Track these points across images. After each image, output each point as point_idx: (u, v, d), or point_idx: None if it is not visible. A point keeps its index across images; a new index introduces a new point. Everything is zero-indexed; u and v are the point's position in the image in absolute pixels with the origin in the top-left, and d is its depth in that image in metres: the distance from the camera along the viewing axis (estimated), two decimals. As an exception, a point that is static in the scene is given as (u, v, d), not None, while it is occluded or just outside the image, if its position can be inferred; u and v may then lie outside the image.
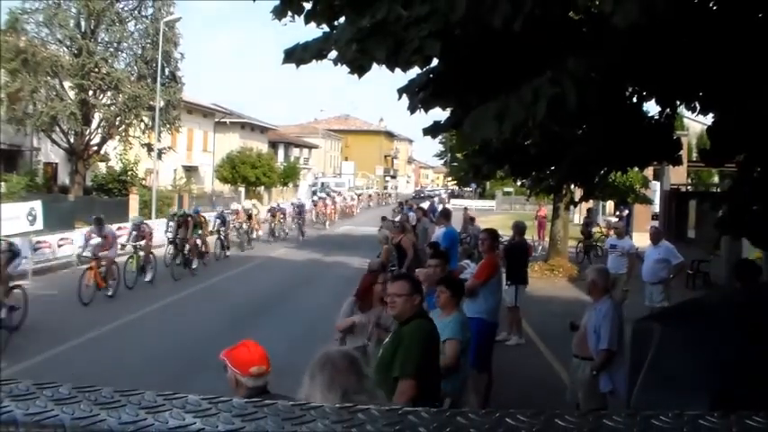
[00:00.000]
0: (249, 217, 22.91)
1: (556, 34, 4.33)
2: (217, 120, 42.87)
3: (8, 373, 7.22)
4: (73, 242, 16.52)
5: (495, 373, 7.11)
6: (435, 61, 4.82)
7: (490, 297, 7.14)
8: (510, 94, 3.63)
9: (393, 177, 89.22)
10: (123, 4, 27.12)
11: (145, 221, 15.59)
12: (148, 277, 14.13)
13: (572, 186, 10.40)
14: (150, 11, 27.56)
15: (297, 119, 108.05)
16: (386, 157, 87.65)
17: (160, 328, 10.46)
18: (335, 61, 4.15)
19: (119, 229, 15.57)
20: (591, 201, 24.53)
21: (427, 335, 3.99)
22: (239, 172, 37.54)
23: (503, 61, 4.58)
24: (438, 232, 11.86)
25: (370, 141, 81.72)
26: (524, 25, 3.38)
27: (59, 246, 16.62)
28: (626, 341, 5.14)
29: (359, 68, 4.06)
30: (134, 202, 24.73)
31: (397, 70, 4.16)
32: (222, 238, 19.20)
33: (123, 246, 14.15)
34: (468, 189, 56.72)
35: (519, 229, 10.84)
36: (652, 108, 6.01)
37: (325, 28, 4.53)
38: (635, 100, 5.55)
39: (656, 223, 17.54)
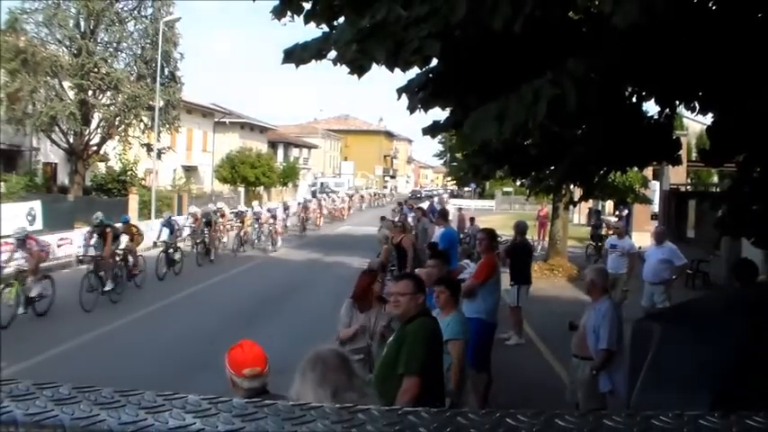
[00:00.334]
0: (209, 224, 18.54)
1: (556, 35, 4.34)
2: (216, 120, 42.88)
3: (8, 373, 7.22)
4: (72, 242, 16.50)
5: (495, 373, 7.11)
6: (435, 61, 4.81)
7: (489, 297, 7.14)
8: (510, 94, 3.63)
9: (392, 177, 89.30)
10: (123, 4, 27.16)
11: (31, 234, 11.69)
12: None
13: (571, 186, 10.40)
14: (150, 11, 27.58)
15: (296, 119, 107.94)
16: (385, 157, 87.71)
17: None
18: (335, 61, 4.14)
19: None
20: (591, 202, 24.66)
21: (431, 333, 4.04)
22: (239, 172, 37.54)
23: (502, 62, 4.58)
24: (437, 233, 11.88)
25: (370, 141, 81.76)
26: (524, 26, 3.38)
27: (59, 246, 16.64)
28: (625, 341, 5.14)
29: (359, 68, 4.06)
30: (133, 202, 24.72)
31: (397, 70, 4.16)
32: (169, 251, 15.62)
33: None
34: (467, 189, 56.76)
35: (520, 228, 10.84)
36: (652, 108, 6.01)
37: (325, 28, 4.52)
38: (634, 100, 5.55)
39: (656, 223, 17.54)
